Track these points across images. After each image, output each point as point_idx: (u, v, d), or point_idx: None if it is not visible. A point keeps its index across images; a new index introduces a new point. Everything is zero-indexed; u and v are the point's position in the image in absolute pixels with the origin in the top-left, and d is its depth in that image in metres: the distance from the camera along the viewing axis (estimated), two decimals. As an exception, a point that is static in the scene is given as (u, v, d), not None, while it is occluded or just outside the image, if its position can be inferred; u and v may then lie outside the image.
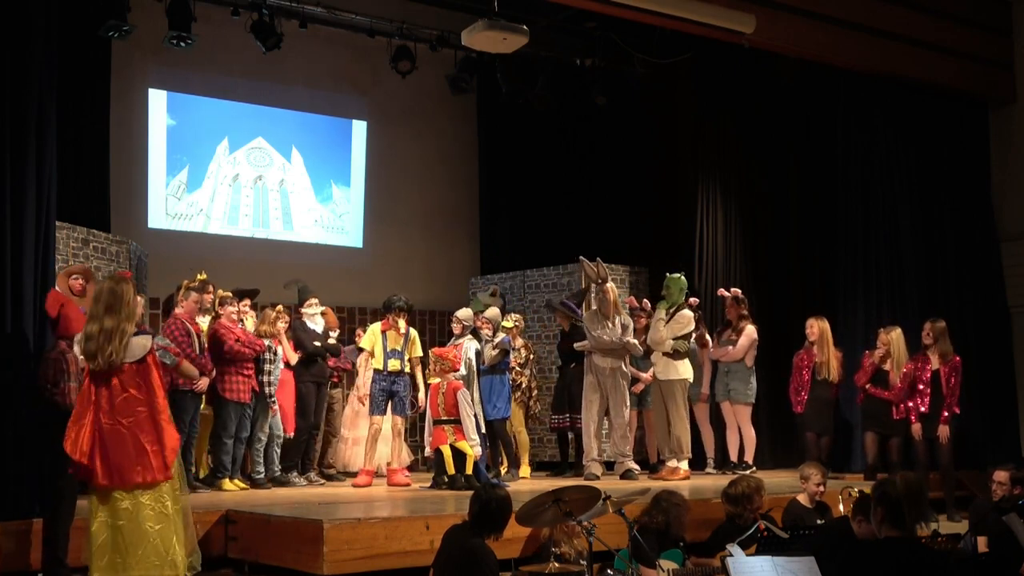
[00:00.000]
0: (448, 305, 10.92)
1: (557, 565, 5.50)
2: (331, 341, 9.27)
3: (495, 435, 9.29)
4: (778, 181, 11.53)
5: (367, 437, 8.96)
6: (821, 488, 6.90)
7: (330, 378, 9.54)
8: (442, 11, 11.67)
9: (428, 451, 8.46)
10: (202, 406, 8.48)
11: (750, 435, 9.95)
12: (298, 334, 9.03)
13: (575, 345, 9.39)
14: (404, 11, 11.62)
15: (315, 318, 9.20)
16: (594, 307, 9.30)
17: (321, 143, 12.36)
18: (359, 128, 12.53)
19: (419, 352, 8.99)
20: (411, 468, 9.51)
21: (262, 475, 8.70)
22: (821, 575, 4.70)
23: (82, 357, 5.44)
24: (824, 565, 4.74)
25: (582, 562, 5.48)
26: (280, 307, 9.04)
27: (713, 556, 6.02)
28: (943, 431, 8.81)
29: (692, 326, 9.35)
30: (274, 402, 8.76)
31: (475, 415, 8.47)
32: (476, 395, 8.94)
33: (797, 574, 4.68)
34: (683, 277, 9.41)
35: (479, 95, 12.90)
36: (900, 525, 4.53)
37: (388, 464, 9.18)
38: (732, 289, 10.21)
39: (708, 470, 10.07)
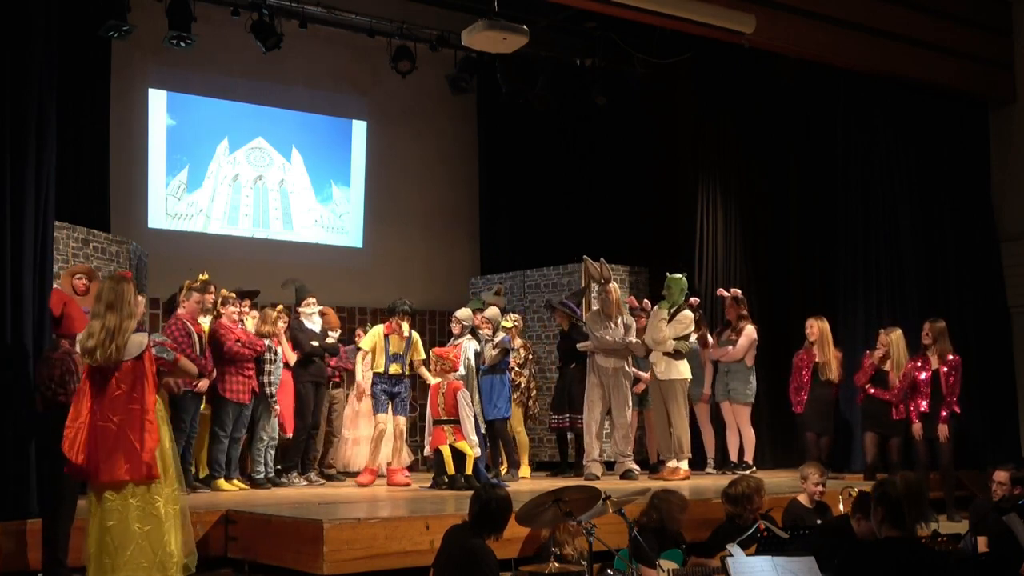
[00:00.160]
0: (448, 305, 10.92)
1: (557, 565, 5.49)
2: (329, 341, 9.27)
3: (496, 435, 9.30)
4: (778, 181, 11.52)
5: (372, 436, 8.96)
6: (820, 488, 6.91)
7: (331, 378, 9.55)
8: (442, 11, 11.68)
9: (428, 451, 8.46)
10: (202, 406, 8.49)
11: (749, 435, 9.95)
12: (296, 334, 9.02)
13: (578, 346, 9.39)
14: (404, 11, 11.62)
15: (312, 317, 9.20)
16: (596, 307, 9.30)
17: (321, 143, 12.36)
18: (359, 128, 12.54)
19: (422, 355, 8.99)
20: (411, 468, 9.51)
21: (262, 475, 8.70)
22: (821, 575, 4.71)
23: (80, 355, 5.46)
24: (824, 565, 4.74)
25: (582, 562, 5.47)
26: (280, 307, 9.04)
27: (713, 556, 6.01)
28: (942, 430, 8.81)
29: (692, 326, 9.35)
30: (275, 402, 8.76)
31: (475, 415, 8.47)
32: (475, 395, 8.94)
33: (797, 574, 4.68)
34: (684, 278, 9.41)
35: (479, 95, 12.90)
36: (900, 525, 4.52)
37: (388, 464, 9.18)
38: (732, 289, 10.22)
39: (708, 470, 10.07)
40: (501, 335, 9.26)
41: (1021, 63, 11.22)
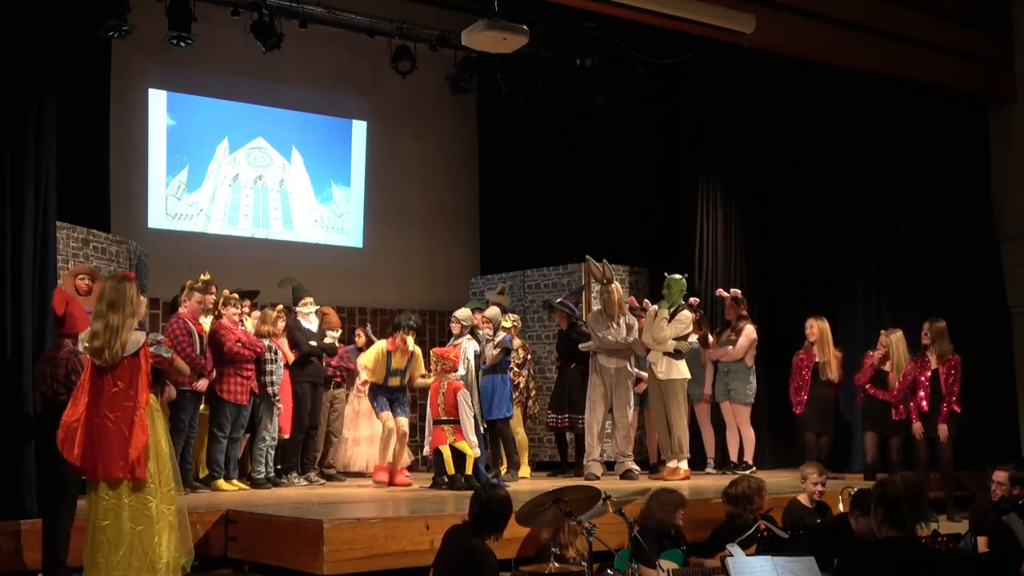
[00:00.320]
0: (448, 305, 10.92)
1: (557, 565, 5.49)
2: (327, 340, 9.26)
3: (497, 435, 9.30)
4: (778, 181, 11.52)
5: (381, 435, 8.94)
6: (819, 488, 6.91)
7: (333, 378, 9.54)
8: (442, 11, 11.68)
9: (428, 451, 8.46)
10: (201, 406, 8.49)
11: (749, 435, 9.95)
12: (293, 334, 9.00)
13: (581, 346, 9.39)
14: (404, 11, 11.62)
15: (310, 317, 9.20)
16: (598, 307, 9.29)
17: (321, 143, 12.36)
18: (359, 128, 12.54)
19: (422, 370, 8.99)
20: (411, 468, 9.51)
21: (262, 475, 8.70)
22: (821, 575, 4.71)
23: (85, 355, 5.46)
24: (823, 564, 4.75)
25: (583, 563, 5.47)
26: (280, 307, 9.03)
27: (713, 556, 6.02)
28: (942, 430, 8.81)
29: (691, 326, 9.36)
30: (278, 401, 8.75)
31: (474, 416, 8.47)
32: (475, 395, 8.94)
33: (797, 574, 4.68)
34: (683, 278, 9.41)
35: (479, 95, 12.90)
36: (900, 525, 4.53)
37: (389, 464, 9.17)
38: (732, 289, 10.22)
39: (708, 470, 10.07)
40: (502, 335, 9.26)
41: (1021, 63, 11.22)
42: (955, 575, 4.93)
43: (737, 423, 9.97)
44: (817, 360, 9.59)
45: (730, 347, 9.88)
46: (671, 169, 12.27)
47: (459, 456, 8.17)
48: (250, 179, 11.87)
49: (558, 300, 9.96)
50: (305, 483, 9.04)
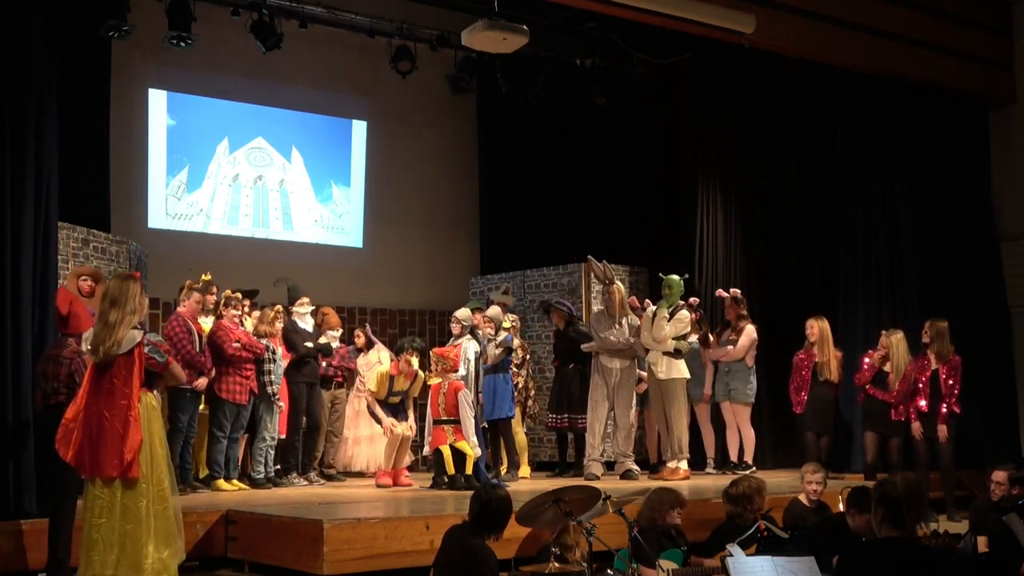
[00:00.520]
0: (448, 305, 10.92)
1: (557, 565, 5.50)
2: (323, 341, 9.26)
3: (499, 435, 9.30)
4: (778, 181, 11.52)
5: (388, 441, 8.93)
6: (815, 487, 6.90)
7: (334, 378, 9.54)
8: (442, 11, 11.68)
9: (428, 451, 8.47)
10: (201, 406, 8.49)
11: (749, 435, 9.95)
12: (289, 336, 8.99)
13: (583, 346, 9.39)
14: (404, 11, 11.62)
15: (306, 318, 9.20)
16: (600, 308, 9.28)
17: (321, 143, 12.36)
18: (359, 128, 12.54)
19: (416, 393, 9.00)
20: (411, 468, 9.51)
21: (262, 475, 8.70)
22: (821, 575, 4.71)
23: (88, 355, 5.47)
24: (822, 563, 4.75)
25: (583, 563, 5.48)
26: (279, 307, 9.03)
27: (713, 556, 6.02)
28: (941, 430, 8.81)
29: (690, 326, 9.36)
30: (277, 400, 8.76)
31: (474, 415, 8.47)
32: (475, 395, 8.94)
33: (797, 574, 4.69)
34: (681, 279, 9.41)
35: (479, 95, 12.90)
36: (900, 525, 4.53)
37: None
38: (731, 289, 10.22)
39: (708, 470, 10.06)
40: (504, 334, 9.26)
41: (1021, 63, 11.21)
42: (955, 575, 4.93)
43: (737, 423, 9.97)
44: (817, 360, 9.59)
45: (730, 347, 9.88)
46: (671, 169, 12.27)
47: (459, 456, 8.18)
48: (250, 179, 11.87)
49: (555, 300, 9.96)
50: (305, 483, 9.04)
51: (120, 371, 5.24)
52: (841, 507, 6.76)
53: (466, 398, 8.30)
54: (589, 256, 9.46)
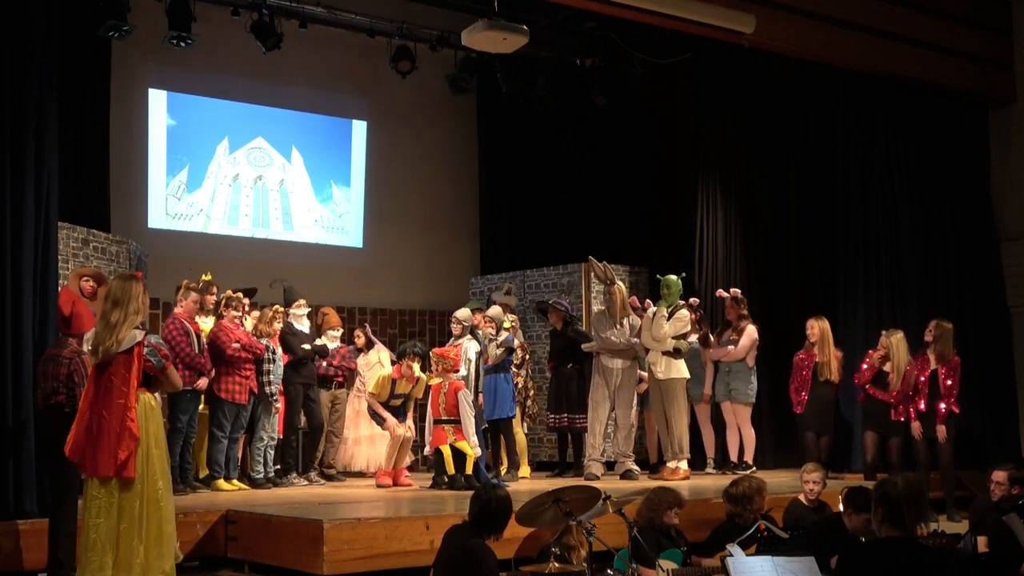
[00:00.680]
0: (448, 305, 10.92)
1: (557, 565, 5.50)
2: (319, 342, 9.26)
3: (500, 435, 9.30)
4: (778, 181, 11.52)
5: (389, 442, 8.93)
6: (812, 486, 6.90)
7: (335, 378, 9.53)
8: (442, 11, 11.68)
9: (428, 451, 8.47)
10: (201, 406, 8.49)
11: (750, 435, 9.95)
12: (287, 338, 8.97)
13: (583, 346, 9.40)
14: (404, 11, 11.62)
15: (302, 319, 9.20)
16: (601, 308, 9.28)
17: (321, 143, 12.36)
18: (359, 128, 12.54)
19: (419, 394, 8.99)
20: (411, 468, 9.51)
21: (262, 475, 8.70)
22: (821, 575, 4.71)
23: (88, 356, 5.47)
24: (822, 563, 4.75)
25: (583, 563, 5.47)
26: (277, 307, 9.02)
27: (713, 556, 6.02)
28: (940, 431, 8.82)
29: (689, 325, 9.37)
30: (276, 400, 8.76)
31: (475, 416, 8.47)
32: (475, 396, 8.95)
33: (797, 574, 4.68)
34: (679, 278, 9.41)
35: (479, 95, 12.90)
36: (900, 525, 4.53)
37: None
38: (732, 289, 10.21)
39: (708, 470, 10.07)
40: (505, 334, 9.27)
41: (1021, 63, 11.22)
42: (955, 575, 4.93)
43: (738, 423, 9.97)
44: (818, 360, 9.59)
45: (731, 347, 9.88)
46: (671, 169, 12.27)
47: (459, 456, 8.17)
48: (250, 179, 11.87)
49: (552, 300, 9.96)
50: (305, 483, 9.05)
51: (119, 370, 5.24)
52: (841, 507, 6.78)
53: (466, 398, 8.30)
54: (590, 257, 9.46)
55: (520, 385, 9.76)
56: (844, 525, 5.66)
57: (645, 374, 9.57)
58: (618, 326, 9.17)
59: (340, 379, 9.65)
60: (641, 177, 12.65)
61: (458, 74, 11.98)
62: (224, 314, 8.57)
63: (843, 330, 10.30)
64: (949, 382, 8.86)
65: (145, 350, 5.39)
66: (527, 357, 10.04)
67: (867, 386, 9.38)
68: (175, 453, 7.78)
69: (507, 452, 9.42)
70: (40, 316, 6.51)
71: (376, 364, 9.93)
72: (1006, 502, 6.38)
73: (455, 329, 9.20)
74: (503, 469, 9.35)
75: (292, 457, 9.18)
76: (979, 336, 10.60)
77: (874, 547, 4.60)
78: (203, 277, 8.86)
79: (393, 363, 9.26)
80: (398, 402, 8.84)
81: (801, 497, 6.98)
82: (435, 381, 8.44)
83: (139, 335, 5.30)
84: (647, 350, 9.24)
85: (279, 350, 8.84)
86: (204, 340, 8.36)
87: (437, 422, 8.29)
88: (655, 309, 9.33)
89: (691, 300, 9.82)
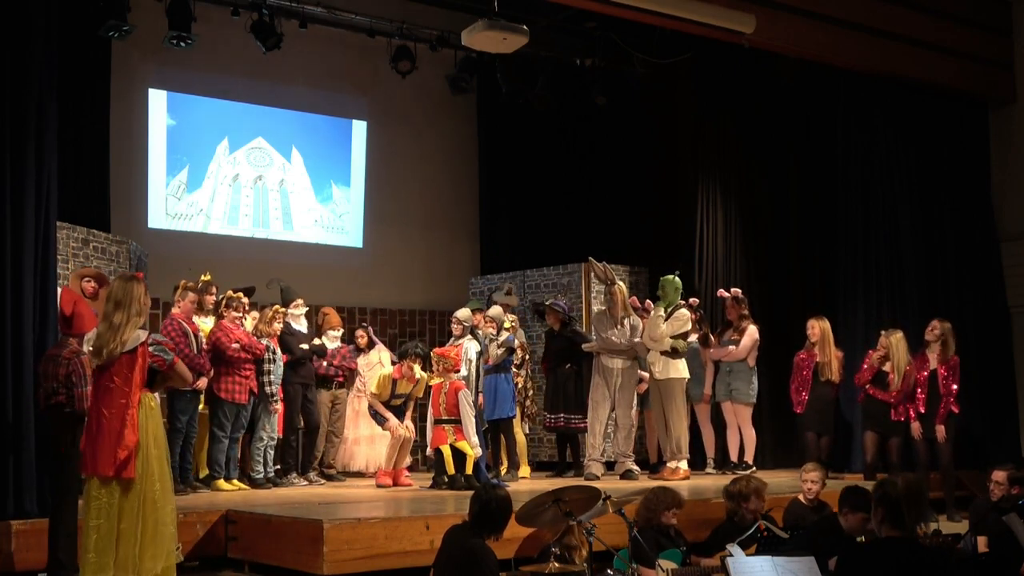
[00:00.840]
0: (448, 305, 10.92)
1: (557, 565, 5.50)
2: (317, 342, 9.25)
3: (501, 435, 9.30)
4: (778, 181, 11.52)
5: (389, 442, 8.93)
6: (811, 486, 6.90)
7: (335, 378, 9.53)
8: (442, 11, 11.68)
9: (428, 451, 8.47)
10: (201, 406, 8.49)
11: (750, 435, 9.95)
12: (285, 338, 8.96)
13: (584, 346, 9.40)
14: (404, 11, 11.62)
15: (300, 319, 9.20)
16: (602, 308, 9.28)
17: (321, 143, 12.36)
18: (359, 128, 12.53)
19: (420, 394, 8.99)
20: (411, 468, 9.51)
21: (262, 475, 8.70)
22: (820, 575, 4.71)
23: (88, 356, 5.47)
24: (821, 563, 4.75)
25: (584, 564, 5.48)
26: (278, 307, 9.02)
27: (713, 556, 6.02)
28: (940, 431, 8.82)
29: (689, 325, 9.37)
30: (276, 400, 8.76)
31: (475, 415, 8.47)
32: (477, 395, 8.95)
33: (797, 574, 4.69)
34: (677, 278, 9.41)
35: (479, 95, 12.90)
36: (900, 525, 4.53)
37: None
38: (732, 289, 10.22)
39: (708, 470, 10.07)
40: (506, 334, 9.27)
41: (1021, 63, 11.22)
42: (955, 575, 4.93)
43: (739, 423, 9.97)
44: (818, 360, 9.59)
45: (732, 347, 9.88)
46: (671, 169, 12.27)
47: (459, 456, 8.18)
48: (250, 179, 11.87)
49: (550, 301, 9.96)
50: (305, 483, 9.05)
51: (121, 370, 5.25)
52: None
53: (467, 398, 8.30)
54: (590, 257, 9.46)
55: (520, 385, 9.76)
56: (840, 525, 5.66)
57: (646, 374, 9.58)
58: (619, 326, 9.17)
59: (340, 379, 9.65)
60: (641, 177, 12.65)
61: (458, 74, 11.98)
62: (224, 314, 8.57)
63: (843, 330, 10.30)
64: (949, 382, 8.85)
65: (152, 348, 5.40)
66: (527, 357, 10.04)
67: (867, 386, 9.38)
68: (175, 453, 7.78)
69: (507, 452, 9.42)
70: (40, 316, 6.51)
71: (376, 364, 9.93)
72: (1006, 502, 6.38)
73: (455, 329, 9.20)
74: (503, 469, 9.35)
75: (292, 457, 9.19)
76: (979, 336, 10.60)
77: (874, 547, 4.61)
78: (202, 277, 8.86)
79: (393, 363, 9.27)
80: (399, 402, 8.85)
81: (801, 497, 6.98)
82: (435, 381, 8.44)
83: (143, 335, 5.31)
84: (648, 350, 9.24)
85: (279, 350, 8.83)
86: (202, 340, 8.36)
87: (437, 422, 8.29)
88: (654, 308, 9.34)
89: (691, 300, 9.82)
